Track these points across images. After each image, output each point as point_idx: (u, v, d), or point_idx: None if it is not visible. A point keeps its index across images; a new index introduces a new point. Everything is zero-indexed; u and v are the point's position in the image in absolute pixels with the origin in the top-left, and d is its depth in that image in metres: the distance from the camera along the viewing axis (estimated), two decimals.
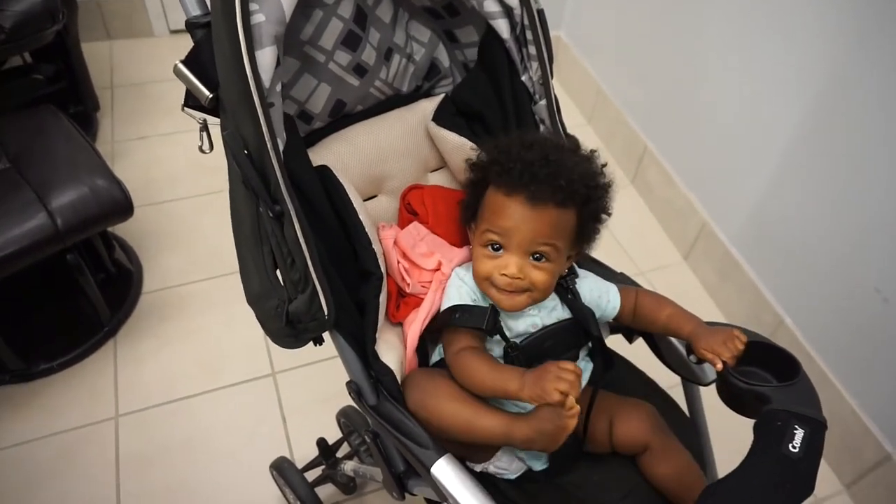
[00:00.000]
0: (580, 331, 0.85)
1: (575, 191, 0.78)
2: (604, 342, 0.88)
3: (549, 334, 0.84)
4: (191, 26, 0.72)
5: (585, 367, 0.88)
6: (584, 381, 0.86)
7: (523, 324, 0.84)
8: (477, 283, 0.84)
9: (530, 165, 0.77)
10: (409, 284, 0.88)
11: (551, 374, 0.68)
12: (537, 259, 0.79)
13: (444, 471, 0.74)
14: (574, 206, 0.80)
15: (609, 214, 0.85)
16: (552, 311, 0.85)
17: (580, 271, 0.92)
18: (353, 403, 1.28)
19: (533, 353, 0.82)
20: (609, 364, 0.87)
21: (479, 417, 0.75)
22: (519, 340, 0.83)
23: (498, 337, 0.82)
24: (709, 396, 0.89)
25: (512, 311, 0.82)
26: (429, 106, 0.99)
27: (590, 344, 0.87)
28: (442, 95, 1.01)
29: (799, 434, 0.68)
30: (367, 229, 0.85)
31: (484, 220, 0.82)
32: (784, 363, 0.77)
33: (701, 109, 1.78)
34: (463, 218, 0.91)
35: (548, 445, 0.73)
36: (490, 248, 0.81)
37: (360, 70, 0.91)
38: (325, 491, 1.34)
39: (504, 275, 0.79)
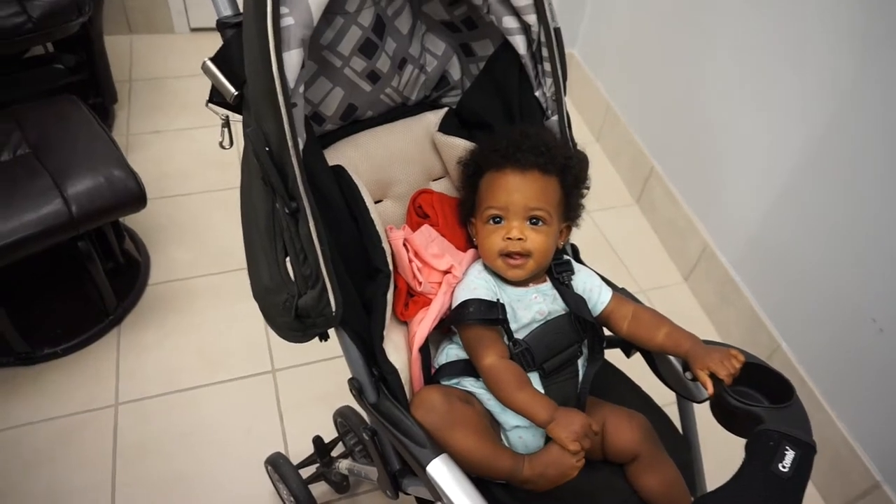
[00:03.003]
0: (577, 324, 0.90)
1: (554, 157, 0.89)
2: (599, 330, 0.93)
3: (548, 329, 0.88)
4: (221, 26, 0.74)
5: (582, 370, 0.91)
6: (578, 384, 0.90)
7: (530, 312, 0.88)
8: (489, 261, 0.91)
9: (515, 141, 0.89)
10: (420, 283, 0.91)
11: (581, 428, 0.75)
12: (534, 223, 0.88)
13: (440, 470, 0.76)
14: (556, 174, 0.90)
15: (588, 187, 0.96)
16: (554, 300, 0.91)
17: (576, 266, 0.96)
18: (350, 403, 1.31)
19: (536, 349, 0.86)
20: (601, 347, 0.93)
21: (492, 458, 0.81)
22: (523, 335, 0.87)
23: (504, 334, 0.87)
24: (702, 414, 0.91)
25: (518, 279, 0.89)
26: (433, 118, 1.03)
27: (586, 342, 0.92)
28: (446, 109, 1.05)
29: (790, 455, 0.70)
30: (377, 228, 0.88)
31: (483, 201, 0.92)
32: (778, 386, 0.79)
33: (708, 132, 1.81)
34: (462, 216, 0.98)
35: (546, 487, 0.81)
36: (492, 221, 0.90)
37: (373, 77, 0.94)
38: (319, 489, 1.35)
39: (509, 238, 0.87)
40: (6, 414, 1.45)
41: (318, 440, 1.30)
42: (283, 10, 0.69)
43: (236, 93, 0.74)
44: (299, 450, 1.43)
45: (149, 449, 1.43)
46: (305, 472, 1.31)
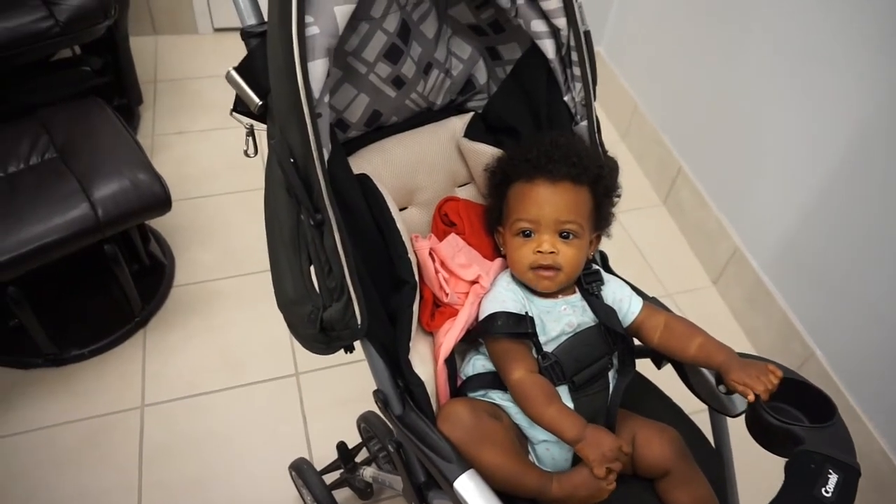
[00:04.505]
0: (607, 336, 0.88)
1: (586, 167, 0.87)
2: (630, 341, 0.90)
3: (578, 341, 0.86)
4: (246, 35, 0.73)
5: (613, 382, 0.89)
6: (608, 397, 0.88)
7: (559, 324, 0.87)
8: (519, 273, 0.88)
9: (546, 150, 0.87)
10: (447, 294, 0.89)
11: (610, 450, 0.73)
12: (565, 237, 0.87)
13: (467, 486, 0.75)
14: (587, 184, 0.88)
15: (619, 195, 0.93)
16: (584, 312, 0.89)
17: (606, 276, 0.94)
18: (373, 409, 1.29)
19: (566, 362, 0.84)
20: (632, 359, 0.91)
21: (520, 476, 0.80)
22: (552, 348, 0.85)
23: (533, 347, 0.85)
24: (735, 428, 0.88)
25: (548, 290, 0.88)
26: (459, 123, 1.02)
27: (617, 353, 0.89)
28: (472, 114, 1.03)
29: (833, 479, 0.68)
30: (403, 238, 0.86)
31: (512, 212, 0.90)
32: (819, 403, 0.76)
33: (739, 133, 1.76)
34: (489, 224, 0.96)
35: None
36: (522, 234, 0.88)
37: (398, 82, 0.93)
38: (342, 495, 1.35)
39: (540, 251, 0.85)
40: (36, 414, 1.47)
41: (342, 446, 1.29)
42: (309, 18, 0.68)
43: (260, 103, 0.73)
44: (323, 454, 1.43)
45: (174, 451, 1.44)
46: (329, 478, 1.31)
